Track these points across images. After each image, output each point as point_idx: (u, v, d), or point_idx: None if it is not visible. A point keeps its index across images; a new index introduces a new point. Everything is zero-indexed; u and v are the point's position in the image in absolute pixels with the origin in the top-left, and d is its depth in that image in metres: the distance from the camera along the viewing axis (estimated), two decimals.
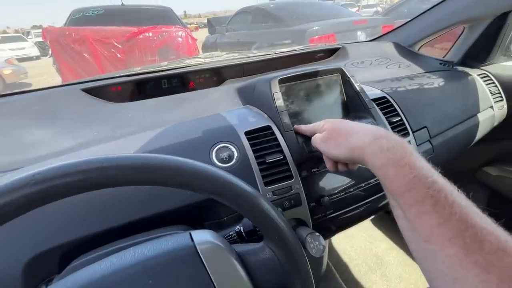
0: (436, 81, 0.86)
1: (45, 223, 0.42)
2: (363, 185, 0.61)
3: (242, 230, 0.43)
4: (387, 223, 1.43)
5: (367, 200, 0.63)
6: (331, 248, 1.31)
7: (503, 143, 1.02)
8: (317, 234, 0.48)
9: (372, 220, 1.46)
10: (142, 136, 0.56)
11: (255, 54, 1.14)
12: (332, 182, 0.58)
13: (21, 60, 8.35)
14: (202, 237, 0.32)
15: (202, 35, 6.28)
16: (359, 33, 3.82)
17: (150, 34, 3.02)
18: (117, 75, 0.84)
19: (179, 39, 3.21)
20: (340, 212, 0.60)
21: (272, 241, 0.33)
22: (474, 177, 1.11)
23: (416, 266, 1.18)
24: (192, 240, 0.31)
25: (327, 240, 1.08)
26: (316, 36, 3.67)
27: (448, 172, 1.24)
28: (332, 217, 0.59)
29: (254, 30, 4.39)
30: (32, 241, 0.40)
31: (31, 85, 6.64)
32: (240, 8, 4.98)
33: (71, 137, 0.59)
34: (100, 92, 0.75)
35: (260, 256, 0.33)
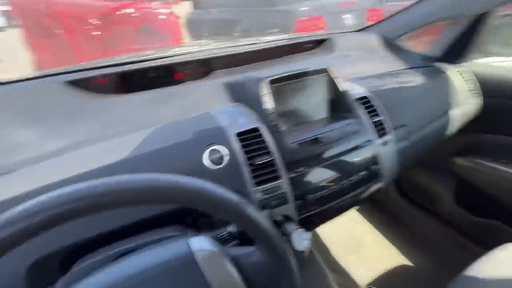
0: (417, 79, 0.90)
1: None
2: (344, 182, 0.65)
3: (233, 232, 0.47)
4: (366, 207, 1.53)
5: (349, 194, 0.68)
6: (314, 233, 1.40)
7: (472, 136, 1.11)
8: (302, 229, 0.52)
9: None
10: (134, 138, 0.56)
11: (243, 44, 1.12)
12: (317, 180, 0.62)
13: None
14: (199, 244, 0.35)
15: (184, 9, 5.98)
16: (346, 15, 3.79)
17: (130, 10, 2.84)
18: (102, 64, 0.82)
19: (162, 17, 3.04)
20: (324, 207, 0.64)
21: (262, 246, 0.36)
22: (446, 166, 1.20)
23: (390, 246, 1.30)
24: (190, 248, 0.34)
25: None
26: (304, 17, 3.61)
27: (424, 161, 1.33)
28: (316, 212, 0.64)
29: (241, 8, 4.24)
30: (33, 246, 0.42)
31: (2, 61, 6.12)
32: None
33: (59, 136, 0.58)
34: (85, 84, 0.73)
35: (252, 259, 0.37)
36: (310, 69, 0.67)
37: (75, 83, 0.71)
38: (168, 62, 0.85)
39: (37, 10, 2.79)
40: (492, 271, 0.64)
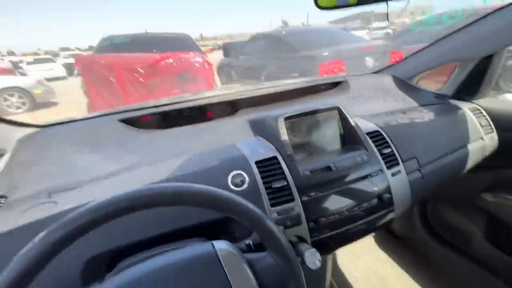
0: (427, 115, 0.96)
1: (99, 232, 0.54)
2: (356, 208, 0.70)
3: (251, 243, 0.53)
4: (392, 245, 1.47)
5: (361, 221, 0.72)
6: (337, 268, 1.36)
7: (497, 171, 1.09)
8: (314, 250, 0.57)
9: (377, 241, 1.51)
10: (172, 163, 0.68)
11: (266, 86, 1.28)
12: (329, 205, 0.68)
13: (49, 80, 9.03)
14: (221, 245, 0.43)
15: (217, 56, 6.68)
16: (367, 58, 3.97)
17: (171, 60, 3.28)
18: (146, 105, 0.99)
19: (197, 64, 3.46)
20: (336, 231, 0.69)
21: (274, 251, 0.43)
22: (474, 203, 1.17)
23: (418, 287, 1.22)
24: (214, 248, 0.42)
25: (330, 256, 1.14)
26: (326, 62, 3.84)
27: (451, 198, 1.31)
28: (329, 236, 0.68)
29: (267, 55, 4.64)
30: (90, 245, 0.52)
31: (58, 104, 7.13)
32: (254, 34, 5.29)
33: (114, 162, 0.72)
34: (133, 121, 0.90)
35: (265, 262, 0.43)
36: (322, 107, 0.77)
37: (126, 121, 0.88)
38: (201, 103, 1.01)
39: (95, 63, 3.34)
40: None
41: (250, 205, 0.42)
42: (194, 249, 0.42)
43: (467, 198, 1.19)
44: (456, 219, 1.25)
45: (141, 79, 3.16)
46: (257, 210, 0.42)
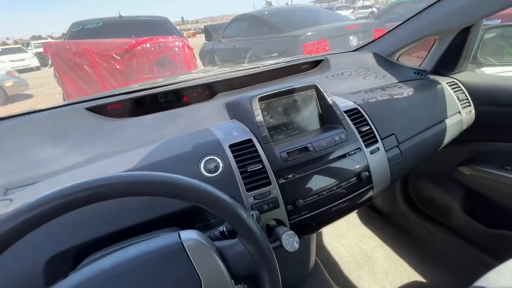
0: (406, 91, 0.95)
1: (61, 229, 0.50)
2: (334, 188, 0.69)
3: (224, 230, 0.51)
4: (376, 221, 1.51)
5: (340, 200, 0.71)
6: (322, 247, 1.39)
7: (473, 144, 1.11)
8: (291, 232, 0.56)
9: (361, 219, 1.54)
10: (140, 152, 0.64)
11: (244, 68, 1.22)
12: (307, 186, 0.66)
13: (21, 71, 8.51)
14: (188, 235, 0.41)
15: (200, 41, 6.45)
16: (351, 37, 3.92)
17: (148, 45, 3.12)
18: (117, 92, 0.93)
19: (176, 49, 3.31)
20: (315, 212, 0.68)
21: (243, 237, 0.41)
22: (451, 176, 1.19)
23: (401, 261, 1.26)
24: (180, 238, 0.40)
25: (314, 235, 1.15)
26: (309, 42, 3.77)
27: (430, 172, 1.34)
28: (308, 217, 0.67)
29: (250, 37, 4.51)
30: (51, 243, 0.49)
31: (32, 96, 6.76)
32: (235, 16, 5.10)
33: (78, 153, 0.68)
34: (101, 109, 0.84)
35: (235, 249, 0.41)
36: (297, 86, 0.74)
37: (92, 109, 0.82)
38: (176, 88, 0.96)
39: (66, 50, 3.13)
40: (504, 282, 0.63)
41: (213, 190, 0.39)
42: (159, 240, 0.40)
43: (445, 172, 1.22)
44: (436, 193, 1.28)
45: (117, 66, 3.00)
46: (221, 194, 0.39)
